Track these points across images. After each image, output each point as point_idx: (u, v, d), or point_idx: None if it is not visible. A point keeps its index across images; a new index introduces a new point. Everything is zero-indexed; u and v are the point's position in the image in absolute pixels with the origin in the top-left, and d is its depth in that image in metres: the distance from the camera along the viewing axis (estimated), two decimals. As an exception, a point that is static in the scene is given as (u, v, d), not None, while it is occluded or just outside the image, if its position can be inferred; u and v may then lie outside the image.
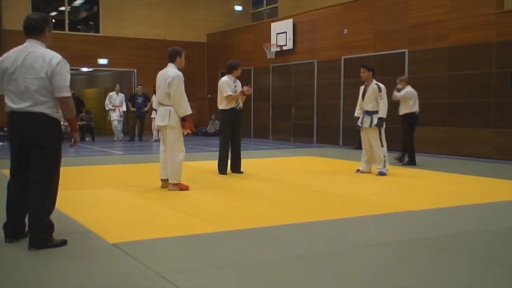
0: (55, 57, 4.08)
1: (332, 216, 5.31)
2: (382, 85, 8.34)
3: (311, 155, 11.93)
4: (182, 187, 6.75)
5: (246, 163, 10.26)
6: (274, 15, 18.90)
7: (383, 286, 3.30)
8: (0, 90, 4.18)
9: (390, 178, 8.08)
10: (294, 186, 7.27)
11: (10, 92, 4.10)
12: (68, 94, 4.14)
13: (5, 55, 4.17)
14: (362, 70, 8.46)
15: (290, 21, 16.20)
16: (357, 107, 8.63)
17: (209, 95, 19.88)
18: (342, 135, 14.71)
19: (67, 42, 18.32)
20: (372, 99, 8.30)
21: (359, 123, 8.53)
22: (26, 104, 4.05)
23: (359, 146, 13.36)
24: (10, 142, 4.30)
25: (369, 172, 8.53)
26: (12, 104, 4.10)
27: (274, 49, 16.47)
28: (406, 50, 12.80)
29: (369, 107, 8.33)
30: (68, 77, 4.15)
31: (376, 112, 8.28)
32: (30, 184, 4.11)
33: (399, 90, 9.91)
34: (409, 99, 9.86)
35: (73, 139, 4.74)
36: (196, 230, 4.65)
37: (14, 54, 4.11)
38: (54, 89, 4.06)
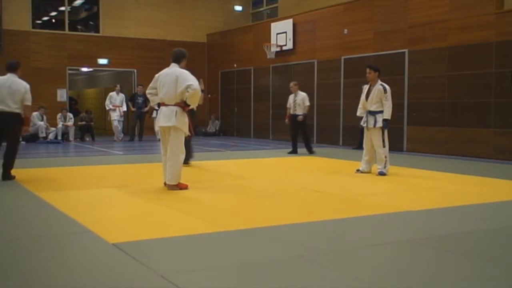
0: None
1: (332, 216, 5.30)
2: (387, 86, 8.31)
3: (311, 155, 11.93)
4: (182, 186, 6.75)
5: (246, 163, 10.27)
6: (274, 15, 18.91)
7: (383, 286, 3.30)
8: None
9: (390, 178, 8.07)
10: (294, 186, 7.26)
11: None
12: None
13: None
14: (368, 70, 8.41)
15: (290, 21, 16.20)
16: (360, 106, 8.63)
17: (209, 95, 19.89)
18: (342, 135, 14.71)
19: (67, 42, 18.34)
20: (377, 99, 8.28)
21: (362, 123, 8.52)
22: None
23: (359, 146, 13.39)
24: None
25: (369, 172, 8.52)
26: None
27: (274, 49, 16.47)
28: (406, 50, 12.80)
29: (373, 108, 8.31)
30: None
31: (380, 112, 8.25)
32: None
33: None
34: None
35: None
36: (196, 230, 4.64)
37: None
38: None
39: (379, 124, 8.23)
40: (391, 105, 8.27)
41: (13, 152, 7.62)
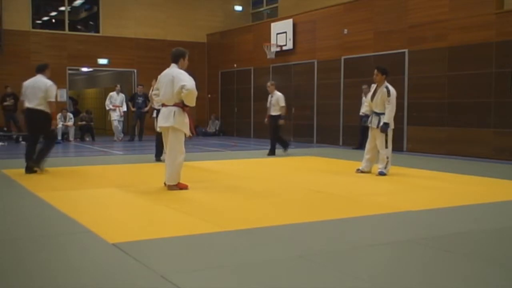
0: None
1: (332, 216, 5.30)
2: (392, 89, 8.28)
3: (311, 155, 11.93)
4: (182, 186, 6.75)
5: (246, 163, 10.27)
6: (274, 15, 18.90)
7: (383, 286, 3.30)
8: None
9: (390, 178, 8.07)
10: (294, 186, 7.26)
11: None
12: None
13: None
14: (375, 72, 8.39)
15: (290, 21, 16.20)
16: (365, 104, 8.65)
17: (209, 95, 19.89)
18: (342, 135, 14.71)
19: (67, 42, 18.34)
20: (381, 102, 8.29)
21: (368, 122, 8.54)
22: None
23: (359, 146, 13.41)
24: None
25: (369, 172, 8.52)
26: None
27: (274, 49, 16.47)
28: (406, 50, 12.80)
29: (377, 109, 8.33)
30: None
31: (384, 113, 8.26)
32: None
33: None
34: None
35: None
36: (196, 230, 4.64)
37: None
38: None
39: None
40: (393, 109, 8.24)
41: (49, 144, 8.40)
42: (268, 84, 11.92)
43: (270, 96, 11.75)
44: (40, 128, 8.35)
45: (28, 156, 8.30)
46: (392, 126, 8.34)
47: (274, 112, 11.62)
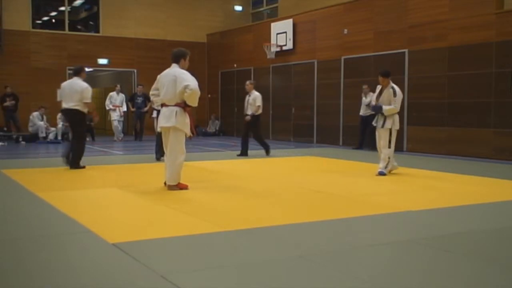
0: None
1: (332, 216, 5.30)
2: (398, 90, 8.36)
3: (311, 155, 11.93)
4: (182, 186, 6.75)
5: (246, 163, 10.27)
6: (274, 15, 18.90)
7: (383, 286, 3.30)
8: None
9: (390, 178, 8.08)
10: (294, 186, 7.26)
11: None
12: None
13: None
14: (380, 79, 8.45)
15: (290, 21, 16.20)
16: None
17: (209, 95, 19.89)
18: (342, 135, 14.71)
19: (67, 42, 18.34)
20: (387, 102, 8.33)
21: (374, 122, 8.59)
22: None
23: (359, 146, 13.43)
24: None
25: (394, 168, 8.51)
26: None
27: (274, 49, 16.47)
28: (406, 50, 12.80)
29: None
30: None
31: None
32: None
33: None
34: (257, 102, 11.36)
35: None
36: (196, 230, 4.64)
37: None
38: None
39: (388, 125, 8.29)
40: (396, 108, 8.27)
41: (78, 143, 9.06)
42: (247, 83, 11.81)
43: (248, 95, 11.66)
44: (74, 126, 9.18)
45: (65, 154, 9.21)
46: (397, 127, 8.39)
47: (251, 111, 11.51)
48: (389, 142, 8.31)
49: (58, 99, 9.23)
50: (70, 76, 9.70)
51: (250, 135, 11.78)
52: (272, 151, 12.94)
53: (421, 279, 3.41)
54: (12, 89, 16.29)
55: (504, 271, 3.63)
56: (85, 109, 9.00)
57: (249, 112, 11.52)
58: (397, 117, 8.41)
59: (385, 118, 8.33)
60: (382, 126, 8.33)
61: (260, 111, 11.58)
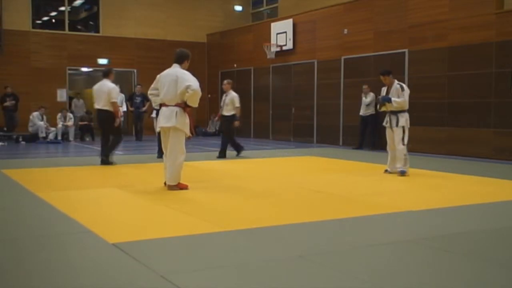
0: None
1: (332, 216, 5.30)
2: (405, 86, 8.45)
3: (311, 155, 11.93)
4: (182, 186, 6.75)
5: (246, 163, 10.26)
6: (274, 15, 18.91)
7: (383, 286, 3.30)
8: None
9: (390, 178, 8.08)
10: (294, 186, 7.26)
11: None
12: None
13: None
14: (382, 78, 8.53)
15: (290, 21, 16.20)
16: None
17: (209, 95, 19.89)
18: (342, 135, 14.71)
19: (67, 42, 18.34)
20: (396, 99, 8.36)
21: (385, 123, 8.60)
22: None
23: (359, 146, 13.43)
24: None
25: (396, 172, 8.52)
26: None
27: (274, 49, 16.47)
28: (406, 50, 12.80)
29: (393, 107, 8.36)
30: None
31: (401, 111, 8.33)
32: None
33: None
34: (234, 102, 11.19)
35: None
36: (196, 230, 4.64)
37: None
38: None
39: (401, 123, 8.30)
40: (403, 101, 8.28)
41: (112, 141, 9.61)
42: (225, 82, 11.53)
43: (224, 95, 11.38)
44: (107, 125, 9.58)
45: (102, 151, 9.71)
46: (408, 125, 8.40)
47: (226, 112, 11.16)
48: (402, 140, 8.32)
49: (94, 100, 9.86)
50: (99, 78, 10.07)
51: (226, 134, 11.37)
52: (271, 151, 12.95)
53: (421, 279, 3.41)
54: (12, 89, 16.29)
55: (504, 271, 3.63)
56: (113, 108, 9.49)
57: (225, 113, 11.18)
58: (408, 116, 8.43)
59: (397, 117, 8.34)
60: (396, 125, 8.34)
61: (239, 112, 11.32)
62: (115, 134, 9.67)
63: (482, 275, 3.53)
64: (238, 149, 11.42)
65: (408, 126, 8.41)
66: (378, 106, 8.69)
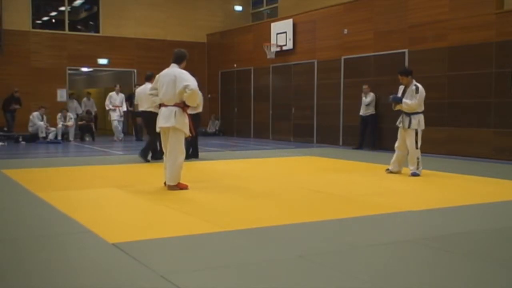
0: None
1: (332, 216, 5.30)
2: (421, 87, 8.35)
3: (311, 155, 11.93)
4: (182, 186, 6.75)
5: (246, 163, 10.27)
6: (274, 15, 18.91)
7: (383, 286, 3.30)
8: None
9: (389, 178, 8.08)
10: (294, 186, 7.26)
11: None
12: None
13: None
14: (400, 77, 8.47)
15: (290, 21, 16.20)
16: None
17: (209, 95, 19.89)
18: (342, 135, 14.71)
19: (67, 42, 18.34)
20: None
21: (398, 123, 8.55)
22: None
23: (359, 146, 13.43)
24: None
25: (398, 172, 8.51)
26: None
27: (274, 49, 16.47)
28: (406, 50, 12.80)
29: (404, 108, 8.34)
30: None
31: (415, 113, 8.28)
32: None
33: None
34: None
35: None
36: (196, 230, 4.64)
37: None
38: None
39: (414, 126, 8.26)
40: (415, 103, 8.21)
41: (150, 138, 10.12)
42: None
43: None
44: (149, 126, 9.70)
45: (154, 151, 10.20)
46: (422, 127, 8.36)
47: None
48: (416, 142, 8.29)
49: (135, 102, 10.42)
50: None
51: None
52: (271, 151, 12.95)
53: (421, 279, 3.41)
54: (18, 95, 16.35)
55: (504, 271, 3.63)
56: (156, 110, 9.53)
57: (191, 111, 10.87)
58: (422, 117, 8.36)
59: (410, 118, 8.28)
60: (408, 127, 8.31)
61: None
62: (151, 135, 10.01)
63: (482, 275, 3.53)
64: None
65: (423, 127, 8.34)
66: (392, 105, 8.62)
